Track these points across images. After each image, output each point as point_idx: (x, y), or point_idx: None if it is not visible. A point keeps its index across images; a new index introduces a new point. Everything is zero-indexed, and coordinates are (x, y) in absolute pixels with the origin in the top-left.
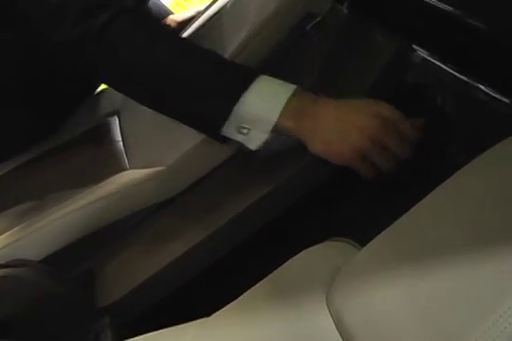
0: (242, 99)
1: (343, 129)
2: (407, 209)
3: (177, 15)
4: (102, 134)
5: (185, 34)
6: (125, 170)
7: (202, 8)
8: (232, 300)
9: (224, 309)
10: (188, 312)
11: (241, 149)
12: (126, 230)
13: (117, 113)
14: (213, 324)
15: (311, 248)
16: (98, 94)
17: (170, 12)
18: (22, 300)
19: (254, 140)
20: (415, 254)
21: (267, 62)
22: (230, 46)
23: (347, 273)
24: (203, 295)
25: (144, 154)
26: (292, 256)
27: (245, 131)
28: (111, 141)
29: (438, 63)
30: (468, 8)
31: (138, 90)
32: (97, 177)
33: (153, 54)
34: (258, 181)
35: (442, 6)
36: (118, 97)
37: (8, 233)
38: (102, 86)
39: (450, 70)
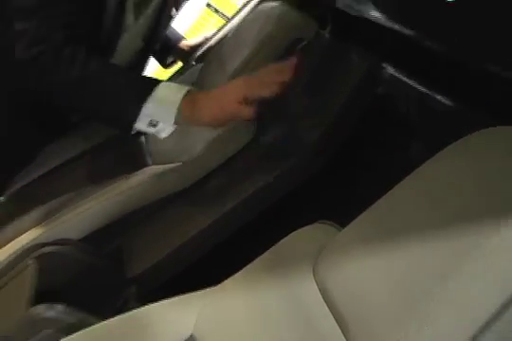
0: (148, 100)
1: (220, 105)
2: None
3: (189, 40)
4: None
5: (196, 55)
6: (148, 165)
7: (209, 34)
8: (236, 272)
9: (228, 279)
10: (200, 282)
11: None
12: (150, 213)
13: None
14: (219, 292)
15: (300, 229)
16: None
17: (183, 38)
18: (66, 272)
19: (164, 131)
20: (389, 232)
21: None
22: (234, 65)
23: (330, 249)
24: (212, 268)
25: (163, 153)
26: (285, 236)
27: (155, 124)
28: (136, 143)
29: (403, 78)
30: (426, 32)
31: (73, 101)
32: (125, 172)
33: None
34: (256, 176)
35: (405, 31)
36: None
37: (53, 218)
38: None
39: (412, 83)
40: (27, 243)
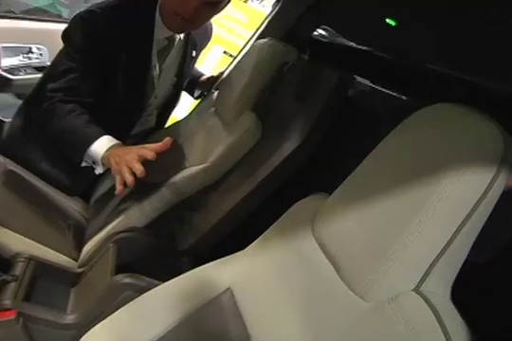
0: (90, 148)
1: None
2: None
3: (208, 75)
4: (174, 151)
5: (214, 86)
6: (186, 167)
7: (223, 69)
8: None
9: (252, 244)
10: (233, 248)
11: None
12: (192, 201)
13: None
14: (246, 254)
15: (301, 200)
16: None
17: (203, 74)
18: (136, 251)
19: (99, 169)
20: (361, 192)
21: (263, 92)
22: (238, 89)
23: (322, 212)
24: (240, 236)
25: (195, 157)
26: (291, 205)
27: (94, 163)
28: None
29: (369, 84)
30: (380, 47)
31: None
32: (169, 172)
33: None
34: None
35: (365, 49)
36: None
37: (124, 212)
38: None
39: (377, 87)
40: (108, 232)
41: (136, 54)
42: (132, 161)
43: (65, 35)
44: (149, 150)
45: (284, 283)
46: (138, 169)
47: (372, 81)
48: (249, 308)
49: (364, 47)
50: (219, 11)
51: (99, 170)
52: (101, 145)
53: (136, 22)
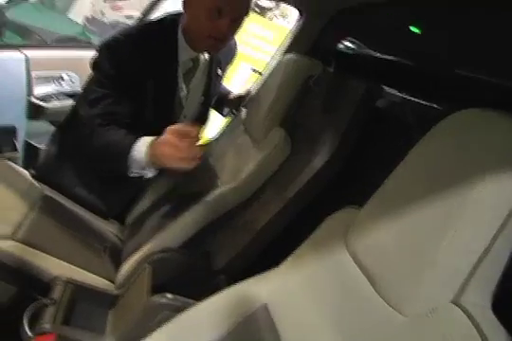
0: (132, 153)
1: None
2: None
3: (236, 93)
4: (206, 170)
5: (243, 104)
6: (218, 186)
7: (251, 88)
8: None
9: (286, 260)
10: (267, 265)
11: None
12: (224, 219)
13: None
14: (281, 270)
15: (333, 214)
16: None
17: (231, 92)
18: (171, 272)
19: (149, 173)
20: (394, 203)
21: (290, 107)
22: (266, 106)
23: (354, 225)
24: (275, 253)
25: (227, 175)
26: (323, 220)
27: (138, 173)
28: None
29: (397, 93)
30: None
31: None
32: (202, 192)
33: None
34: (296, 181)
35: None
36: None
37: (159, 233)
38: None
39: (404, 96)
40: (144, 253)
41: (162, 77)
42: (187, 158)
43: (94, 63)
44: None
45: (319, 298)
46: (196, 159)
47: (400, 91)
48: (285, 324)
49: (390, 56)
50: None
51: (149, 175)
52: (140, 146)
53: (160, 46)
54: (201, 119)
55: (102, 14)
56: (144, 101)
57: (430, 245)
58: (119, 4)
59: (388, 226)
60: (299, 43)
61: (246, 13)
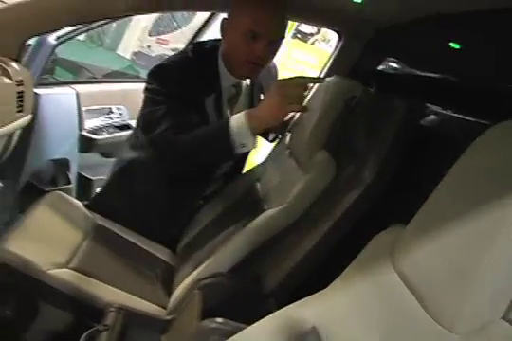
0: (230, 132)
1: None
2: None
3: None
4: (253, 195)
5: (288, 129)
6: (265, 210)
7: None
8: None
9: (334, 282)
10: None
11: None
12: (272, 243)
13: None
14: (329, 292)
15: (379, 234)
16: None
17: None
18: (221, 296)
19: (249, 145)
20: (437, 221)
21: (333, 130)
22: (310, 127)
23: (400, 244)
24: (324, 273)
25: (274, 199)
26: (369, 240)
27: (243, 144)
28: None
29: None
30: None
31: (188, 161)
32: (252, 216)
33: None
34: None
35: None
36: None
37: (208, 259)
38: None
39: (449, 113)
40: (194, 279)
41: (207, 103)
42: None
43: (146, 89)
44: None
45: (367, 320)
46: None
47: (444, 108)
48: None
49: (431, 74)
50: (279, 49)
51: (250, 147)
52: (237, 120)
53: (202, 72)
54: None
55: (149, 48)
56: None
57: (476, 261)
58: (165, 37)
59: (433, 243)
60: (339, 65)
61: (282, 36)
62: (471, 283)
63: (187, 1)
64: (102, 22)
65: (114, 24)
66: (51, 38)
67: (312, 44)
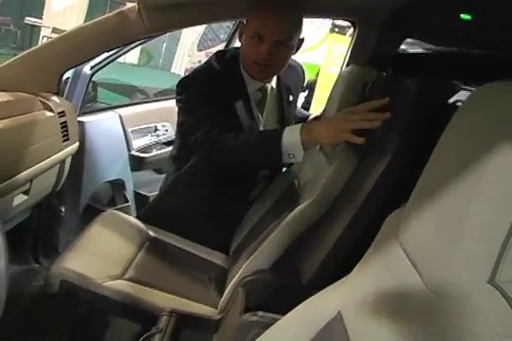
0: (282, 142)
1: (327, 128)
2: None
3: (313, 115)
4: (292, 191)
5: None
6: (300, 204)
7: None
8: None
9: (356, 266)
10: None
11: None
12: (308, 236)
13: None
14: (351, 277)
15: (390, 215)
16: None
17: (309, 115)
18: (263, 292)
19: (298, 157)
20: (431, 190)
21: None
22: (331, 115)
23: (403, 220)
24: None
25: (306, 193)
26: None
27: (291, 155)
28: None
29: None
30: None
31: (235, 163)
32: (290, 211)
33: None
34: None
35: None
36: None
37: (250, 257)
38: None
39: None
40: (239, 277)
41: (238, 108)
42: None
43: (177, 100)
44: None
45: (383, 300)
46: (357, 139)
47: (465, 83)
48: (356, 332)
49: (446, 49)
50: (293, 50)
51: (298, 159)
52: (291, 133)
53: (228, 79)
54: None
55: (199, 62)
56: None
57: (460, 223)
58: (212, 50)
59: (427, 211)
60: (357, 54)
61: (287, 37)
62: (455, 248)
63: (199, 15)
64: (132, 45)
65: (164, 45)
66: (86, 68)
67: (350, 36)
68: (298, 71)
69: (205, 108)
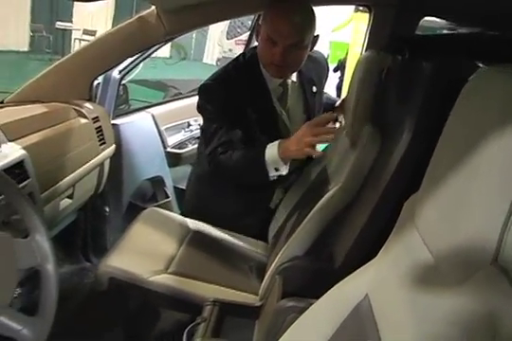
0: (266, 158)
1: (295, 144)
2: None
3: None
4: (322, 178)
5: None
6: (329, 190)
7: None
8: None
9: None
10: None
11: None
12: (338, 221)
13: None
14: (377, 260)
15: (408, 200)
16: None
17: (337, 100)
18: (300, 277)
19: (282, 170)
20: (439, 172)
21: (373, 103)
22: (352, 101)
23: (416, 202)
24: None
25: (334, 180)
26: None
27: (276, 169)
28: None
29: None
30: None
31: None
32: (320, 198)
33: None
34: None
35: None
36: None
37: (285, 245)
38: None
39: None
40: (276, 264)
41: (260, 107)
42: (306, 139)
43: (198, 107)
44: (315, 127)
45: (403, 281)
46: (311, 142)
47: (484, 64)
48: (382, 313)
49: (458, 28)
50: (307, 49)
51: (285, 172)
52: (271, 150)
53: (248, 79)
54: None
55: (231, 51)
56: (251, 131)
57: (464, 207)
58: (241, 37)
59: (436, 195)
60: (375, 38)
61: (299, 40)
62: (459, 228)
63: (216, 13)
64: (155, 48)
65: (194, 36)
66: (115, 73)
67: None
68: (320, 62)
69: (219, 121)
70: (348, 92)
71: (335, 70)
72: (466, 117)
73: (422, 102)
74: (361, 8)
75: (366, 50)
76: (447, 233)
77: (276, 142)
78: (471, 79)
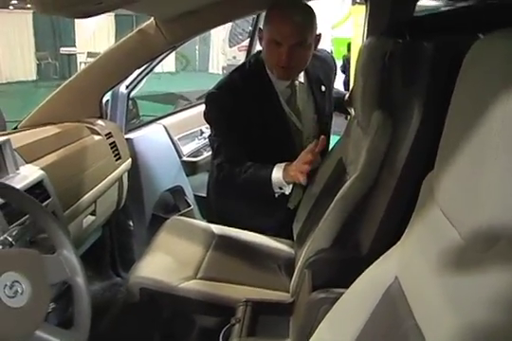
0: (272, 178)
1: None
2: None
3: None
4: (339, 169)
5: None
6: (347, 180)
7: None
8: None
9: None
10: None
11: None
12: (359, 210)
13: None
14: (401, 243)
15: (425, 179)
16: None
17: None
18: (329, 269)
19: (286, 190)
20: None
21: (379, 89)
22: (360, 89)
23: (434, 178)
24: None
25: (350, 169)
26: None
27: (280, 188)
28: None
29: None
30: None
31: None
32: (340, 186)
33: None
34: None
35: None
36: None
37: (310, 239)
38: None
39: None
40: (304, 259)
41: (269, 110)
42: (300, 166)
43: (205, 118)
44: (307, 154)
45: (429, 259)
46: (305, 170)
47: (485, 33)
48: (413, 293)
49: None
50: (311, 48)
51: (287, 191)
52: (277, 172)
53: (255, 84)
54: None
55: (235, 59)
56: (261, 136)
57: (478, 178)
58: (243, 44)
59: (451, 169)
60: (374, 24)
61: (302, 39)
62: (481, 197)
63: (214, 18)
64: (159, 59)
65: (197, 48)
66: (122, 88)
67: None
68: (326, 61)
69: (226, 131)
70: (354, 81)
71: (343, 70)
72: (469, 88)
73: (428, 82)
74: (358, 0)
75: (367, 38)
76: (468, 204)
77: (282, 164)
78: (470, 50)
